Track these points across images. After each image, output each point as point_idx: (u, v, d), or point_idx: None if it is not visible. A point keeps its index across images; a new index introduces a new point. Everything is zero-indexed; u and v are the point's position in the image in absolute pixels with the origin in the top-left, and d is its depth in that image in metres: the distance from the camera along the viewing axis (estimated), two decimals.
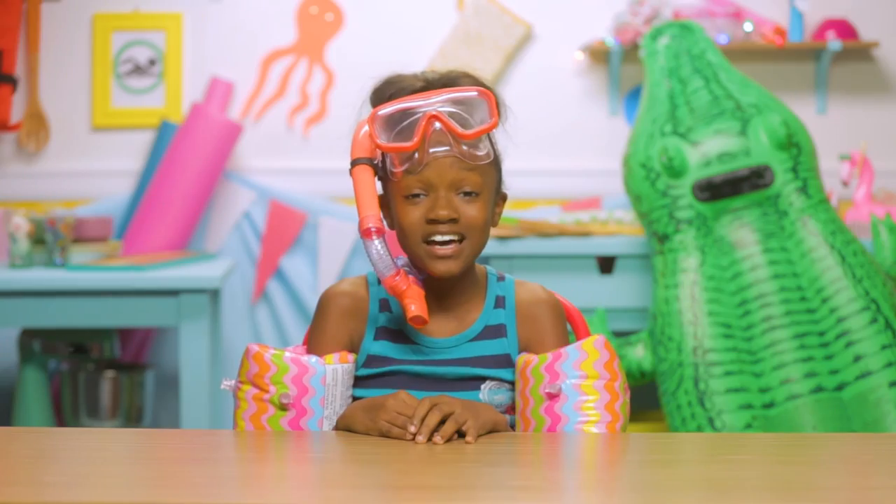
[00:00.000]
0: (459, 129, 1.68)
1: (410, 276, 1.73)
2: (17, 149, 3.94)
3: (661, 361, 3.11)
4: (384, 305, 1.79)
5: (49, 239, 3.36)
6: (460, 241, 1.71)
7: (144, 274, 3.19)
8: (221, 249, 3.94)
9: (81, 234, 3.47)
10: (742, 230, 3.13)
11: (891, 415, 2.90)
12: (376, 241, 1.69)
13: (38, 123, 3.90)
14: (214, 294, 3.50)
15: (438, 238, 1.70)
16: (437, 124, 1.69)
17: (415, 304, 1.70)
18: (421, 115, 1.69)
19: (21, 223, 3.33)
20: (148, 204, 3.76)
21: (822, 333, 3.00)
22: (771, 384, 2.98)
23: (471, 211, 1.71)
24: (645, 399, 3.82)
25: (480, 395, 1.76)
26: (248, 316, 3.96)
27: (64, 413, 3.64)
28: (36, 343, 3.50)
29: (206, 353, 3.18)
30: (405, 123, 1.70)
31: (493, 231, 3.47)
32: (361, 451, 1.57)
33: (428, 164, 1.70)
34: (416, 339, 1.76)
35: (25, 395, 3.49)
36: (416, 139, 1.68)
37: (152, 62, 3.94)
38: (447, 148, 1.69)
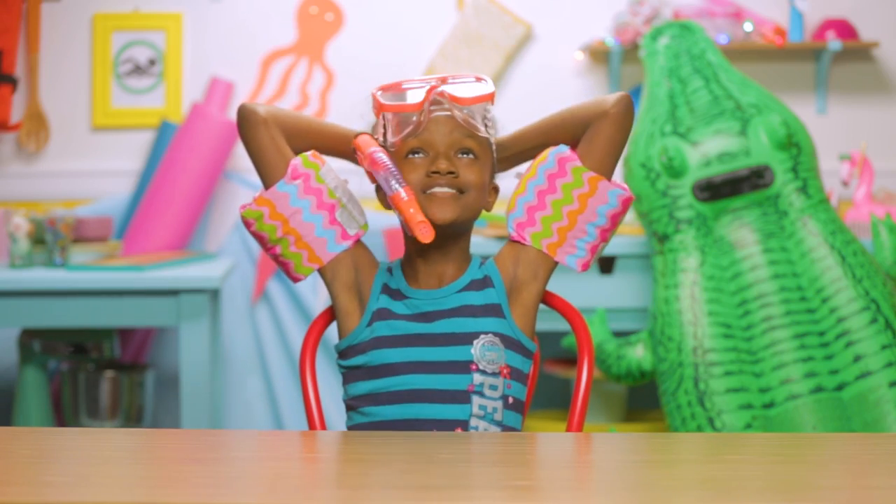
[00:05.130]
0: (459, 96, 1.81)
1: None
2: (18, 149, 3.94)
3: (661, 361, 3.11)
4: (388, 270, 1.90)
5: (49, 239, 3.36)
6: (460, 194, 1.81)
7: (144, 274, 3.19)
8: (221, 249, 3.94)
9: (81, 234, 3.47)
10: (742, 230, 3.13)
11: (891, 415, 2.90)
12: (384, 169, 1.79)
13: (38, 123, 3.90)
14: (214, 294, 3.50)
15: (438, 189, 1.80)
16: (441, 86, 1.81)
17: (414, 209, 1.78)
18: (424, 87, 1.83)
19: (21, 223, 3.33)
20: (148, 204, 3.76)
21: (822, 333, 3.00)
22: (771, 384, 2.98)
23: (470, 172, 1.81)
24: (645, 399, 3.82)
25: (473, 351, 1.81)
26: (248, 316, 3.96)
27: (64, 413, 3.64)
28: (36, 343, 3.50)
29: (206, 353, 3.18)
30: (409, 95, 1.83)
31: (493, 231, 3.49)
32: (361, 451, 1.57)
33: (428, 126, 1.81)
34: (409, 294, 1.85)
35: (25, 395, 3.49)
36: (419, 101, 1.80)
37: (152, 62, 3.94)
38: (448, 113, 1.81)
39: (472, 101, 1.81)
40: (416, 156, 1.81)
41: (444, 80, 1.84)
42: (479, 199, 1.83)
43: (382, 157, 1.81)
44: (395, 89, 1.84)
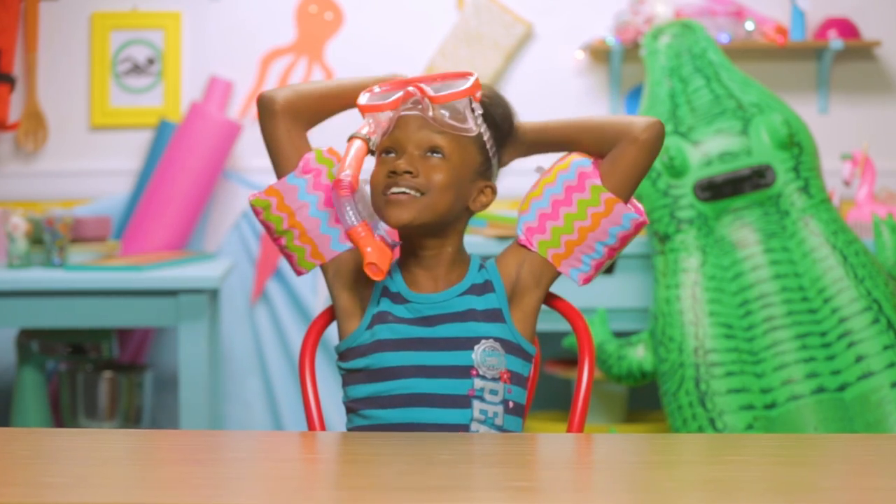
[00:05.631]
0: (431, 93, 1.78)
1: (379, 235, 1.81)
2: (16, 148, 3.93)
3: (662, 362, 3.10)
4: (388, 273, 1.86)
5: (47, 239, 3.35)
6: (419, 195, 1.78)
7: (143, 274, 3.18)
8: (220, 249, 3.93)
9: (80, 233, 3.46)
10: (743, 230, 3.12)
11: (893, 416, 2.89)
12: (343, 196, 1.77)
13: (36, 123, 3.89)
14: (213, 294, 3.49)
15: (395, 189, 1.78)
16: (411, 87, 1.80)
17: (371, 247, 1.76)
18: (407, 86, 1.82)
19: (19, 223, 3.32)
20: (146, 204, 3.75)
21: (823, 334, 2.99)
22: (772, 385, 2.97)
23: (435, 172, 1.79)
24: (646, 399, 3.82)
25: (473, 356, 1.80)
26: (248, 316, 3.95)
27: (62, 414, 3.64)
28: (34, 343, 3.49)
29: (204, 353, 3.17)
30: (389, 97, 1.82)
31: (493, 231, 3.49)
32: (361, 452, 1.56)
33: (398, 124, 1.80)
34: (409, 298, 1.84)
35: (23, 395, 3.48)
36: (392, 101, 1.80)
37: (151, 61, 3.93)
38: (415, 112, 1.80)
39: (444, 99, 1.78)
40: (389, 155, 1.81)
41: (429, 79, 1.82)
42: (443, 200, 1.79)
43: (345, 181, 1.78)
44: (387, 88, 1.83)
